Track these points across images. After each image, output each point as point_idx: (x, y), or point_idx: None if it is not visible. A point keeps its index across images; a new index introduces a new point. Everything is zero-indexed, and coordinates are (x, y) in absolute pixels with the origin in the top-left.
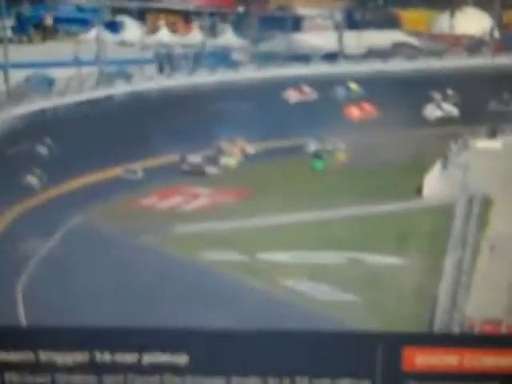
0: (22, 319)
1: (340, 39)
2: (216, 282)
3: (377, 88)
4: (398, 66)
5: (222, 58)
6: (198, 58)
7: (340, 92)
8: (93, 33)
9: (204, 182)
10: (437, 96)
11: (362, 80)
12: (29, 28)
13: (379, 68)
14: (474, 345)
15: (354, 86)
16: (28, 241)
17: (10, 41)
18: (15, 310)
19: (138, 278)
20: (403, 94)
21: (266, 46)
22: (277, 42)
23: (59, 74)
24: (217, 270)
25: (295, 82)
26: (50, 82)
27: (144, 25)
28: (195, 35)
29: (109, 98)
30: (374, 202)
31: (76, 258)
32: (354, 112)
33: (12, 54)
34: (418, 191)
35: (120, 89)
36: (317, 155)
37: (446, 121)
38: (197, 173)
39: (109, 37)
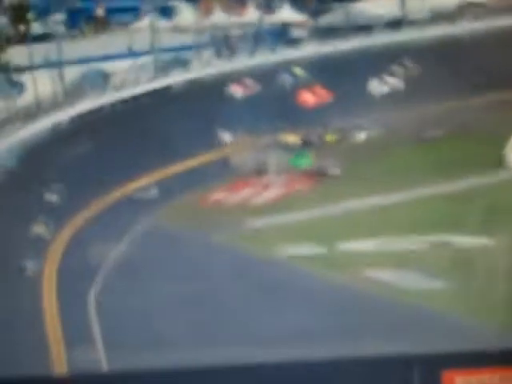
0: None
1: (403, 4)
2: (294, 278)
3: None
4: (466, 27)
5: (281, 35)
6: (257, 38)
7: None
8: (145, 21)
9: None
10: None
11: (428, 46)
12: (81, 22)
13: (444, 32)
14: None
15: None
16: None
17: (63, 36)
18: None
19: (212, 278)
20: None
21: (325, 20)
22: (336, 14)
23: (115, 67)
24: (294, 265)
25: (360, 54)
26: (105, 77)
27: (197, 7)
28: (251, 14)
29: (167, 89)
30: (454, 177)
31: (147, 262)
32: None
33: (65, 50)
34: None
35: (178, 77)
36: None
37: None
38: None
39: (162, 23)
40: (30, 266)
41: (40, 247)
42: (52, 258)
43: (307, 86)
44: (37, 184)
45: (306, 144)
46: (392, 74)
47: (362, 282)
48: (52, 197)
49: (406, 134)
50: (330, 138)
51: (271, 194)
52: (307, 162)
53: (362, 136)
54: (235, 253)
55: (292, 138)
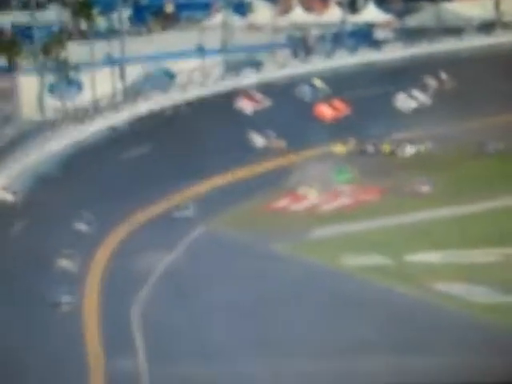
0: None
1: (497, 5)
2: (360, 290)
3: None
4: None
5: (364, 36)
6: (337, 39)
7: None
8: (218, 18)
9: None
10: None
11: None
12: (147, 17)
13: None
14: None
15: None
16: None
17: (128, 33)
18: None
19: (274, 288)
20: None
21: (412, 20)
22: (425, 15)
23: (181, 66)
24: (360, 276)
25: (448, 60)
26: (170, 77)
27: (275, 4)
28: (333, 13)
29: (235, 91)
30: None
31: (205, 269)
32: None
33: (129, 48)
34: None
35: (249, 79)
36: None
37: None
38: None
39: (236, 21)
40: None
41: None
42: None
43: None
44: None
45: (362, 153)
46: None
47: (430, 294)
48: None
49: (466, 147)
50: (385, 148)
51: (341, 202)
52: (348, 177)
53: (411, 149)
54: (297, 262)
55: (340, 149)
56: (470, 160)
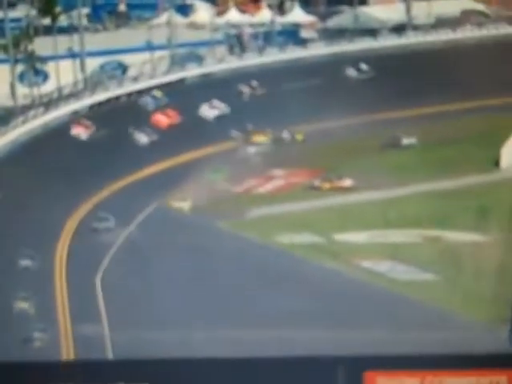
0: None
1: (408, 10)
2: (293, 265)
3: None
4: (468, 34)
5: (291, 35)
6: (268, 37)
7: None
8: (164, 17)
9: (277, 163)
10: None
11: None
12: (103, 16)
13: (448, 37)
14: (435, 366)
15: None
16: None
17: (86, 29)
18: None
19: (214, 261)
20: None
21: (334, 22)
22: (344, 17)
23: (133, 59)
24: (293, 253)
25: (365, 57)
26: (123, 69)
27: (214, 6)
28: (264, 14)
29: (181, 82)
30: (449, 176)
31: (153, 243)
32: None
33: (88, 43)
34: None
35: (192, 72)
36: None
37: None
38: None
39: (180, 20)
40: None
41: None
42: None
43: None
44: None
45: (278, 141)
46: None
47: (356, 271)
48: None
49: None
50: (298, 136)
51: (274, 184)
52: (222, 175)
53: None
54: (235, 238)
55: (261, 138)
56: (387, 151)
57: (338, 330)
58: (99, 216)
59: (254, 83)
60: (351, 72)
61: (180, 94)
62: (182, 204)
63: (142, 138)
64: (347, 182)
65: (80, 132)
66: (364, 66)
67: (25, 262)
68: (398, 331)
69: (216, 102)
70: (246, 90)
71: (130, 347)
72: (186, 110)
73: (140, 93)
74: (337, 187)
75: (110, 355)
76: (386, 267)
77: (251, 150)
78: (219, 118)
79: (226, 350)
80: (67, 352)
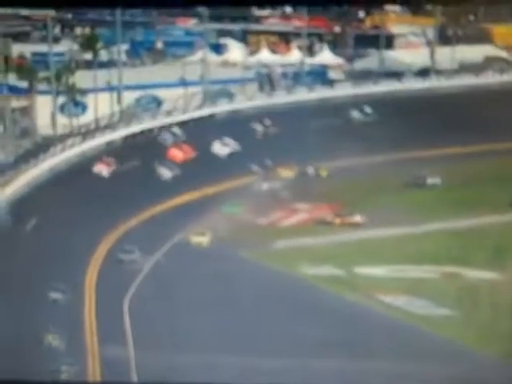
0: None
1: (432, 55)
2: (314, 296)
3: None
4: (490, 79)
5: (320, 75)
6: (297, 77)
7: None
8: (198, 54)
9: (301, 197)
10: None
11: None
12: (141, 52)
13: (470, 82)
14: None
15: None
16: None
17: (124, 64)
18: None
19: (238, 289)
20: None
21: (360, 64)
22: (371, 60)
23: (168, 94)
24: (315, 284)
25: (390, 98)
26: (158, 103)
27: (246, 46)
28: (294, 55)
29: (211, 117)
30: (468, 215)
31: (179, 271)
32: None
33: (125, 77)
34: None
35: (223, 107)
36: (232, 204)
37: None
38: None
39: (213, 58)
40: None
41: None
42: None
43: None
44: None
45: (304, 176)
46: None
47: (375, 303)
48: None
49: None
50: (323, 172)
51: (299, 217)
52: (237, 210)
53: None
54: (259, 268)
55: (286, 172)
56: (410, 189)
57: (355, 360)
58: (125, 248)
59: (280, 120)
60: (377, 112)
61: (202, 130)
62: (201, 239)
63: (165, 173)
64: (357, 219)
65: (102, 169)
66: (387, 107)
67: (55, 295)
68: (414, 363)
69: (227, 140)
70: (266, 126)
71: (156, 371)
72: (202, 145)
73: (163, 128)
74: (347, 223)
75: (134, 378)
76: (404, 301)
77: (276, 183)
78: (237, 154)
79: (245, 377)
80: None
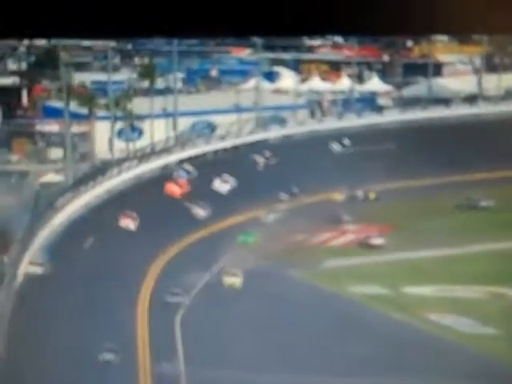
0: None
1: (479, 82)
2: (363, 315)
3: None
4: None
5: (369, 102)
6: (347, 104)
7: None
8: (252, 82)
9: (349, 219)
10: None
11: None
12: (196, 80)
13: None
14: None
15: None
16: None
17: (180, 91)
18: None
19: (288, 308)
20: None
21: (408, 91)
22: (419, 87)
23: (221, 120)
24: (363, 303)
25: (437, 124)
26: (212, 128)
27: (298, 74)
28: (344, 82)
29: (263, 141)
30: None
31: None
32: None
33: (181, 103)
34: None
35: (275, 133)
36: (245, 232)
37: None
38: None
39: (266, 85)
40: None
41: None
42: None
43: None
44: None
45: (353, 199)
46: None
47: (422, 322)
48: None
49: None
50: (371, 195)
51: (347, 238)
52: (252, 239)
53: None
54: (310, 287)
55: (337, 196)
56: (462, 211)
57: (403, 378)
58: (172, 291)
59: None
60: (425, 137)
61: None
62: (234, 280)
63: (200, 212)
64: (378, 241)
65: (128, 223)
66: (435, 132)
67: (108, 356)
68: (460, 381)
69: (226, 176)
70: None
71: None
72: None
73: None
74: (366, 244)
75: None
76: (451, 320)
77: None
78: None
79: None
80: None
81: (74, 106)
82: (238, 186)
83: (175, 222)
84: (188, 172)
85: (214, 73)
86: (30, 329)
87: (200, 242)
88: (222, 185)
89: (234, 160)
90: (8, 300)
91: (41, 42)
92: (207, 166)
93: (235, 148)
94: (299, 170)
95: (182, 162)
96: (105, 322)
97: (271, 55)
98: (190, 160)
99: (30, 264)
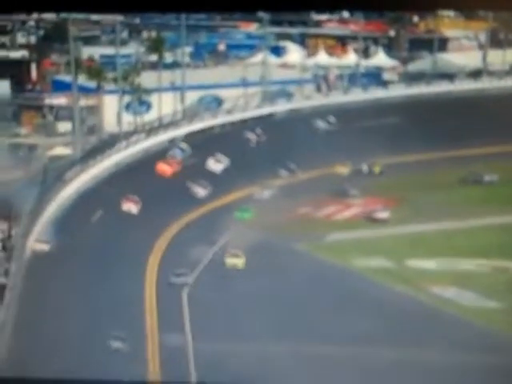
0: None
1: (484, 58)
2: (366, 287)
3: None
4: None
5: (374, 77)
6: (353, 78)
7: None
8: (259, 57)
9: (354, 193)
10: None
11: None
12: (204, 54)
13: None
14: None
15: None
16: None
17: (188, 65)
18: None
19: (291, 281)
20: None
21: (414, 66)
22: (424, 62)
23: (228, 94)
24: (367, 276)
25: (442, 98)
26: (219, 102)
27: (304, 49)
28: (350, 57)
29: (270, 116)
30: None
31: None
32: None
33: (188, 77)
34: None
35: (281, 107)
36: (240, 208)
37: None
38: None
39: (273, 60)
40: None
41: None
42: None
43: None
44: None
45: (358, 173)
46: None
47: (425, 295)
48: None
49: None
50: (376, 169)
51: (352, 211)
52: (248, 215)
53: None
54: (313, 260)
55: (342, 169)
56: (466, 186)
57: (404, 350)
58: (176, 272)
59: (340, 118)
60: (430, 111)
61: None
62: (236, 260)
63: (200, 191)
64: (384, 215)
65: (130, 207)
66: (439, 107)
67: (116, 344)
68: (460, 354)
69: (219, 156)
70: (323, 125)
71: None
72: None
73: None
74: (371, 218)
75: None
76: (453, 293)
77: (334, 179)
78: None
79: (297, 365)
80: None
81: (82, 80)
82: (233, 163)
83: (176, 201)
84: (183, 150)
85: (221, 47)
86: (39, 303)
87: (201, 218)
88: (216, 164)
89: (228, 137)
90: (18, 272)
91: (50, 16)
92: (201, 143)
93: (232, 124)
94: (301, 145)
95: (175, 139)
96: (112, 296)
97: (278, 30)
98: (185, 138)
99: (36, 241)
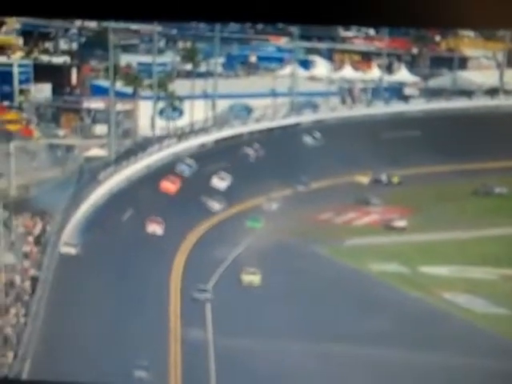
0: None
1: (501, 77)
2: (381, 291)
3: None
4: None
5: (396, 92)
6: (376, 92)
7: None
8: (288, 69)
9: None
10: None
11: None
12: (236, 65)
13: None
14: None
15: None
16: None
17: (220, 75)
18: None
19: (311, 283)
20: None
21: (434, 82)
22: (444, 79)
23: (258, 103)
24: (382, 280)
25: (460, 114)
26: (248, 111)
27: (331, 63)
28: (374, 72)
29: (296, 125)
30: None
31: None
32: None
33: (220, 86)
34: None
35: (307, 117)
36: (252, 217)
37: None
38: None
39: (301, 72)
40: None
41: None
42: None
43: None
44: None
45: (377, 182)
46: None
47: (437, 300)
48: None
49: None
50: (395, 179)
51: (370, 218)
52: (258, 225)
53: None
54: (332, 264)
55: (363, 178)
56: (477, 197)
57: (416, 353)
58: (199, 287)
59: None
60: (447, 126)
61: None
62: (252, 277)
63: (215, 205)
64: (401, 223)
65: (155, 228)
66: (457, 122)
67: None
68: (469, 358)
69: (223, 174)
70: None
71: None
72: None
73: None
74: (389, 226)
75: None
76: (464, 299)
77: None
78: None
79: (312, 362)
80: None
81: (119, 86)
82: (236, 178)
83: (193, 212)
84: (189, 166)
85: (252, 59)
86: (67, 299)
87: (218, 229)
88: (220, 182)
89: (231, 151)
90: (50, 266)
91: (92, 24)
92: (206, 158)
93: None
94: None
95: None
96: (139, 295)
97: (307, 44)
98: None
99: (64, 244)
